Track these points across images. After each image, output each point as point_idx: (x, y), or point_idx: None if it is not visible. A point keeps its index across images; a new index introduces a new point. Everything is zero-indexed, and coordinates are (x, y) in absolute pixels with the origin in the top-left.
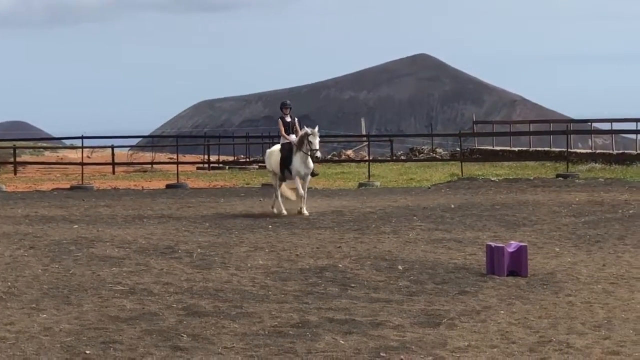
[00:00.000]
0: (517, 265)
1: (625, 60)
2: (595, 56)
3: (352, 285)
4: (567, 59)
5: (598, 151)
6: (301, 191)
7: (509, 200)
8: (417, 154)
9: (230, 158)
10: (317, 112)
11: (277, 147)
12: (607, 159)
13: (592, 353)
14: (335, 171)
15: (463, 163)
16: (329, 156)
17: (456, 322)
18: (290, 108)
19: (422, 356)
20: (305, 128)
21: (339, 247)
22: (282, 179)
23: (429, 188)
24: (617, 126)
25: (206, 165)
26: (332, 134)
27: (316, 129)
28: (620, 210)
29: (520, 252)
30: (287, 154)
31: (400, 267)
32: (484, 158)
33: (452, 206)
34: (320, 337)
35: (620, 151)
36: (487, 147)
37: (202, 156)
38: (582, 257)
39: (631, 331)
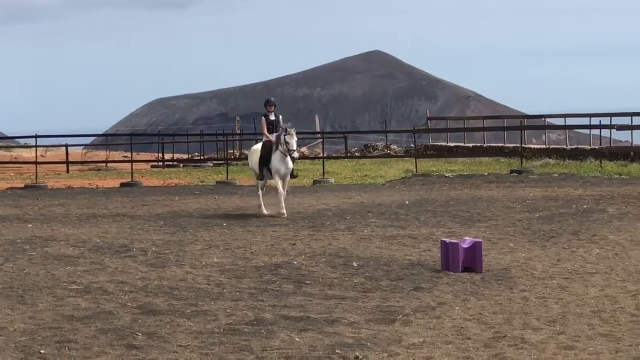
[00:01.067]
0: (471, 261)
1: (578, 56)
2: (548, 51)
3: (307, 282)
4: (520, 54)
5: (552, 146)
6: (281, 190)
7: (463, 196)
8: (372, 150)
9: (185, 156)
10: None
11: (259, 145)
12: (561, 154)
13: (547, 348)
14: None
15: (417, 159)
16: None
17: (411, 318)
18: (275, 105)
19: (377, 353)
20: (282, 125)
21: (294, 244)
22: (261, 177)
23: (384, 184)
24: (570, 121)
25: (160, 164)
26: None
27: (293, 129)
28: (574, 205)
29: (475, 248)
30: (266, 152)
31: (355, 264)
32: (438, 154)
33: (407, 202)
34: (276, 335)
35: (574, 146)
36: (441, 143)
37: (156, 154)
38: (537, 253)
39: (586, 326)
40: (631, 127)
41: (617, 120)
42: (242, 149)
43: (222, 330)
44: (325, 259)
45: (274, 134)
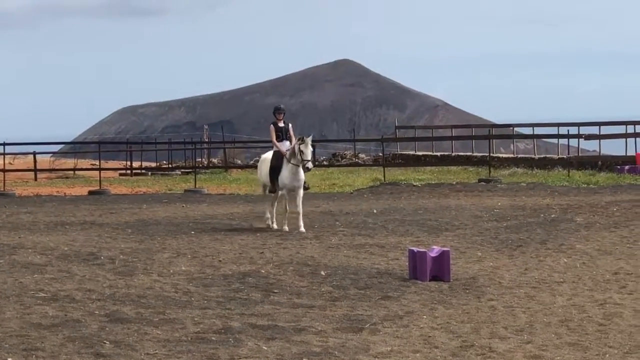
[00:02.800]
0: (439, 270)
1: (545, 63)
2: (516, 60)
3: (275, 290)
4: (488, 63)
5: (520, 156)
6: (285, 205)
7: (431, 205)
8: (340, 159)
9: (153, 164)
10: (239, 117)
11: (269, 154)
12: (529, 163)
13: (514, 357)
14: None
15: (385, 168)
16: (251, 162)
17: (379, 327)
18: (284, 113)
19: None
20: (294, 134)
21: (262, 252)
22: (273, 190)
23: (352, 193)
24: (538, 131)
25: (129, 172)
26: (254, 140)
27: (309, 138)
28: (542, 215)
29: (443, 257)
30: (277, 163)
31: (322, 273)
32: (407, 163)
33: (375, 211)
34: (243, 343)
35: (542, 155)
36: (409, 152)
37: (124, 162)
38: (505, 262)
39: (553, 335)
40: (599, 137)
41: (585, 130)
42: (210, 157)
43: (189, 338)
44: (293, 268)
45: (284, 142)
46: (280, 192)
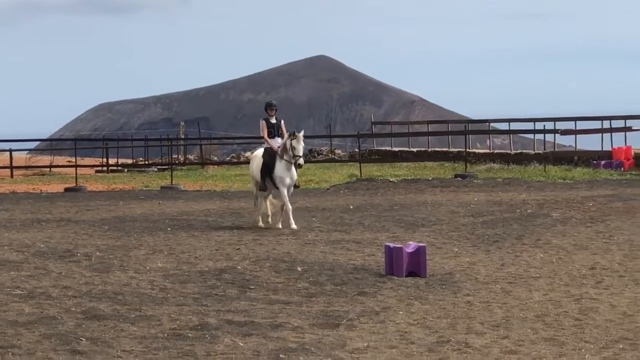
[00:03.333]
0: (415, 265)
1: (521, 60)
2: (492, 56)
3: (251, 287)
4: (464, 59)
5: (496, 151)
6: (287, 203)
7: (407, 201)
8: (316, 155)
9: (129, 161)
10: (215, 114)
11: (260, 151)
12: (505, 158)
13: (491, 352)
14: (234, 173)
15: (362, 164)
16: (228, 158)
17: (355, 323)
18: (277, 109)
19: (321, 357)
20: (285, 129)
21: (238, 248)
22: (263, 187)
23: (328, 189)
24: (514, 126)
25: (105, 168)
26: (230, 136)
27: (301, 133)
28: (518, 210)
29: (419, 252)
30: (269, 159)
31: (299, 269)
32: (383, 159)
33: (351, 207)
34: (220, 340)
35: (518, 151)
36: (385, 148)
37: (101, 159)
38: (481, 257)
39: (529, 330)
40: (575, 132)
41: (561, 125)
42: (186, 153)
43: (166, 335)
44: (269, 264)
45: (276, 139)
46: (274, 190)
